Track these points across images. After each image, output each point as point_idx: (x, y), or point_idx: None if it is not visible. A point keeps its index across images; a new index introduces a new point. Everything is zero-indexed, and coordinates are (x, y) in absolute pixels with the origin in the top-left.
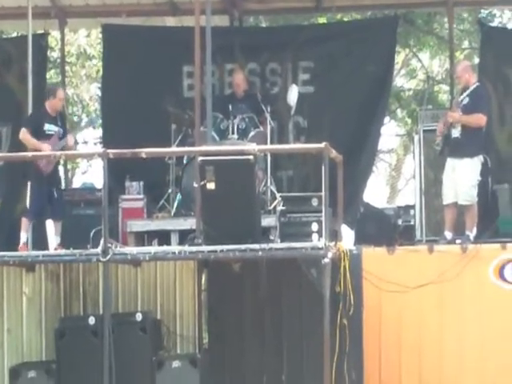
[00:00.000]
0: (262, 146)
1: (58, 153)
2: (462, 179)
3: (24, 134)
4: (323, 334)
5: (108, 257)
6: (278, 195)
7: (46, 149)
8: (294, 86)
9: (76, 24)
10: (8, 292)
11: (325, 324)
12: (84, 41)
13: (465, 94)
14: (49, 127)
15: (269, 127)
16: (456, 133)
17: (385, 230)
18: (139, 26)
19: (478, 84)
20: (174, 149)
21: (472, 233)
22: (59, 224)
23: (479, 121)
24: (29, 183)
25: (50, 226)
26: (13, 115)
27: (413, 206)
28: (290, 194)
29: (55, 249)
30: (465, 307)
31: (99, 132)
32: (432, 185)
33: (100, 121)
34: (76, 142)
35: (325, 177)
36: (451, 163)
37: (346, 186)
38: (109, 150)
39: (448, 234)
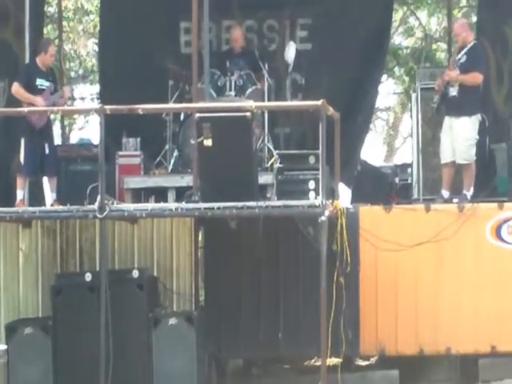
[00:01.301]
0: (260, 103)
1: (55, 108)
2: (460, 138)
3: (16, 88)
4: (320, 292)
5: (105, 213)
6: (275, 152)
7: (39, 102)
8: (291, 43)
9: None
10: (4, 248)
11: (321, 282)
12: None
13: (462, 53)
14: (41, 82)
15: (266, 84)
16: (453, 91)
17: (382, 188)
18: None
19: (475, 42)
20: (171, 105)
21: (469, 192)
22: (54, 180)
23: (476, 79)
24: (22, 139)
25: (46, 183)
26: (9, 70)
27: (410, 165)
28: (287, 151)
29: (51, 205)
30: (461, 266)
31: (96, 88)
32: (429, 143)
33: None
34: (73, 97)
35: (322, 134)
36: (449, 122)
37: (343, 144)
38: (106, 106)
39: (445, 193)
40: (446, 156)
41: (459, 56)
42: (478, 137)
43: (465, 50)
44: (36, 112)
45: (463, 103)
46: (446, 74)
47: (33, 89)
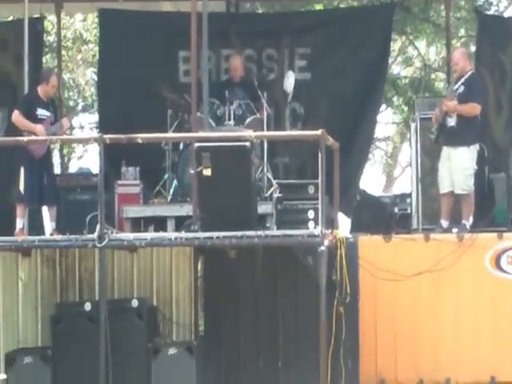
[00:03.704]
0: (259, 133)
1: (54, 137)
2: (459, 168)
3: (17, 116)
4: (319, 321)
5: (104, 242)
6: (274, 182)
7: (39, 130)
8: (290, 72)
9: (72, 8)
10: (4, 277)
11: (321, 312)
12: (80, 25)
13: (459, 83)
14: (41, 112)
15: (265, 114)
16: (451, 121)
17: (381, 217)
18: (135, 11)
19: (472, 72)
20: (170, 134)
21: (468, 222)
22: (54, 209)
23: (474, 110)
24: (21, 168)
25: (46, 212)
26: (8, 99)
27: (409, 194)
28: (286, 181)
29: (51, 234)
30: (461, 296)
31: (95, 117)
32: (428, 173)
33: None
34: (72, 127)
35: (321, 164)
36: (447, 152)
37: (342, 174)
38: (105, 135)
39: (444, 223)
40: (444, 186)
41: (457, 86)
42: (476, 167)
43: (462, 79)
44: (35, 142)
45: (461, 133)
46: (444, 105)
47: (33, 118)
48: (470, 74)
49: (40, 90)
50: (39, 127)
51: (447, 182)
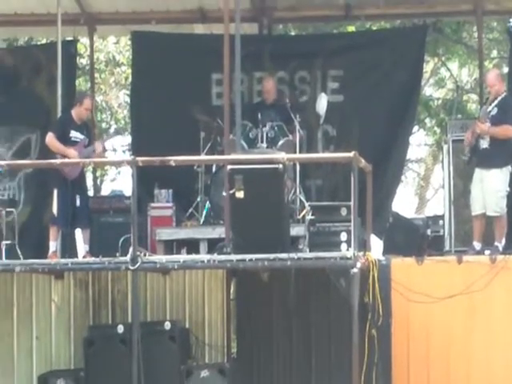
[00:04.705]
0: (291, 155)
1: (87, 160)
2: (491, 190)
3: (50, 139)
4: (352, 344)
5: (137, 265)
6: (306, 204)
7: (72, 154)
8: (323, 94)
9: (105, 31)
10: (37, 300)
11: (353, 334)
12: (113, 47)
13: (493, 105)
14: (75, 134)
15: (298, 136)
16: (484, 143)
17: (413, 240)
18: (168, 34)
19: (506, 94)
20: (203, 157)
21: (501, 243)
22: (87, 232)
23: (507, 132)
24: (55, 190)
25: (79, 234)
26: (41, 122)
27: (442, 216)
28: (318, 203)
29: (84, 257)
30: (493, 318)
31: (128, 139)
32: (461, 195)
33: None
34: (105, 149)
35: (354, 186)
36: (479, 174)
37: (375, 196)
38: (138, 158)
39: (477, 245)
40: (476, 208)
41: (490, 108)
42: (508, 189)
43: (496, 101)
44: (67, 164)
45: (494, 155)
46: (478, 127)
47: (66, 141)
48: (503, 95)
49: (74, 112)
50: (72, 151)
51: (479, 204)
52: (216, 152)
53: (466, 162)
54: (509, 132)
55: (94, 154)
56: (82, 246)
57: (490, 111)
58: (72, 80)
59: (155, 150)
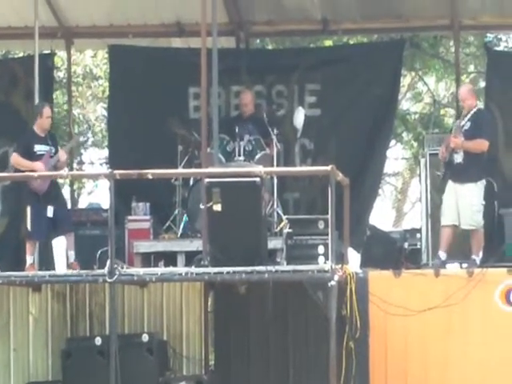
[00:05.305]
0: (269, 169)
1: (65, 173)
2: (466, 204)
3: (15, 158)
4: (329, 356)
5: (114, 277)
6: (284, 217)
7: (38, 167)
8: (300, 108)
9: (82, 44)
10: (14, 312)
11: (331, 347)
12: (90, 61)
13: (466, 119)
14: (39, 148)
15: (275, 149)
16: (459, 158)
17: (391, 253)
18: (145, 47)
19: (479, 108)
20: (180, 170)
21: (478, 257)
22: (71, 237)
23: (481, 146)
24: (27, 207)
25: (61, 243)
26: (19, 135)
27: (419, 230)
28: (296, 216)
29: (70, 264)
30: (471, 331)
31: (105, 152)
32: (438, 208)
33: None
34: (80, 161)
35: (331, 200)
36: (453, 187)
37: (352, 209)
38: (115, 171)
39: (442, 254)
40: (447, 218)
41: (463, 122)
42: (483, 202)
43: (468, 116)
44: (42, 177)
45: (468, 170)
46: (452, 142)
47: (32, 156)
48: (476, 110)
49: (36, 126)
50: (37, 164)
51: (450, 216)
52: (193, 165)
53: (440, 177)
54: (482, 146)
55: (60, 162)
56: (61, 258)
57: (463, 125)
58: (49, 93)
59: (133, 163)
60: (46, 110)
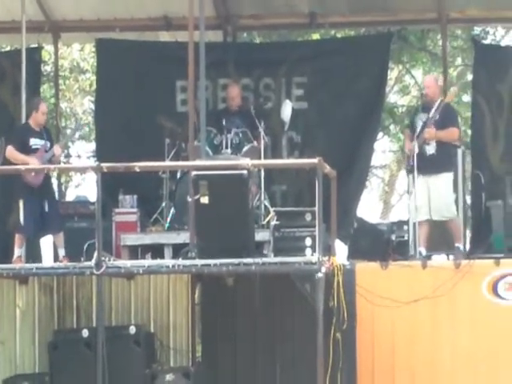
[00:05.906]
0: (256, 161)
1: (52, 166)
2: (441, 195)
3: (10, 152)
4: (317, 348)
5: (101, 270)
6: (271, 210)
7: (33, 162)
8: (287, 101)
9: (70, 38)
10: (1, 304)
11: (318, 338)
12: (77, 55)
13: (433, 111)
14: (34, 142)
15: (262, 142)
16: (431, 149)
17: (378, 245)
18: (133, 41)
19: (441, 99)
20: (167, 163)
21: (461, 243)
22: (60, 236)
23: (453, 134)
24: (20, 200)
25: (49, 241)
26: (6, 129)
27: (406, 222)
28: (283, 208)
29: (60, 261)
30: (458, 322)
31: (92, 145)
32: None
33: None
34: (69, 155)
35: (318, 192)
36: (424, 180)
37: (340, 201)
38: (102, 164)
39: (423, 250)
40: (421, 214)
41: (431, 115)
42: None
43: (435, 107)
44: (32, 170)
45: (442, 160)
46: (427, 132)
47: (27, 149)
48: (439, 101)
49: (32, 120)
50: (32, 160)
51: (425, 211)
52: (181, 158)
53: (407, 170)
54: (455, 134)
55: (54, 157)
56: (49, 254)
57: (433, 117)
58: (36, 87)
59: (120, 156)
60: (42, 106)
